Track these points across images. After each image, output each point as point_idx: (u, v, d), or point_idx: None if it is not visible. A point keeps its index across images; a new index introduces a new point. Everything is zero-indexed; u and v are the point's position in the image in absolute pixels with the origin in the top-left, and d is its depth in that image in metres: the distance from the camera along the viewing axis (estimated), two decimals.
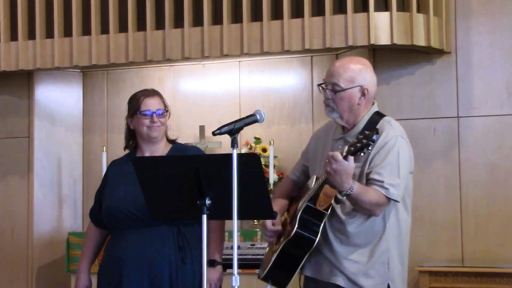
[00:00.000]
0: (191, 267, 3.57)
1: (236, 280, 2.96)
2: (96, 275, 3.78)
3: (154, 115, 3.65)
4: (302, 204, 3.34)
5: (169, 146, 3.76)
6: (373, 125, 3.28)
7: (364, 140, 3.04)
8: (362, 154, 3.09)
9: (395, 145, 3.28)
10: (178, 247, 3.57)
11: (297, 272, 3.35)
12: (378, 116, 3.39)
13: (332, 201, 3.28)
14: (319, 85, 3.42)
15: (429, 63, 5.56)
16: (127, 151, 3.85)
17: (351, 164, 3.09)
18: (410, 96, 5.59)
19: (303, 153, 3.68)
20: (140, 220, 3.55)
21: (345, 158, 3.08)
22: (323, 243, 3.34)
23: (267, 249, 3.61)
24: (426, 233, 5.50)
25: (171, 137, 3.85)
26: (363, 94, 3.35)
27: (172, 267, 3.55)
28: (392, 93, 5.61)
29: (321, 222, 3.28)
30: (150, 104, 3.68)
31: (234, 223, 2.96)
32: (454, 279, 4.98)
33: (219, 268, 3.65)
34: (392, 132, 3.31)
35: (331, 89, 3.35)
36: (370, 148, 3.05)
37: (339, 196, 3.23)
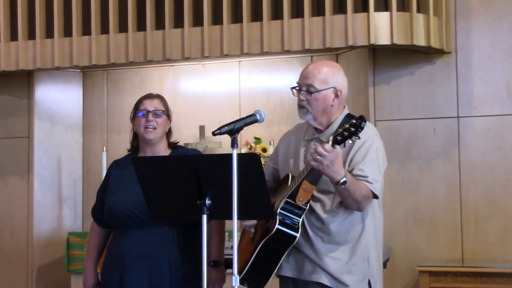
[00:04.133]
0: (192, 267, 3.58)
1: (236, 280, 2.96)
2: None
3: (150, 114, 3.69)
4: (279, 202, 3.37)
5: (169, 150, 3.77)
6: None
7: (352, 128, 3.09)
8: (350, 141, 3.13)
9: (373, 143, 3.37)
10: (179, 247, 3.59)
11: (274, 272, 3.36)
12: (350, 118, 3.42)
13: (310, 200, 3.33)
14: (292, 88, 3.49)
15: (429, 63, 5.55)
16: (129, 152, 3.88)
17: (339, 151, 3.15)
18: (410, 96, 5.59)
19: (271, 156, 3.75)
20: (142, 221, 3.57)
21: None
22: (304, 242, 3.38)
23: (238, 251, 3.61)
24: (426, 233, 5.50)
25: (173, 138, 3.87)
26: (336, 96, 3.43)
27: (172, 267, 3.57)
28: (392, 93, 5.61)
29: (300, 218, 3.32)
30: (147, 104, 3.72)
31: (234, 223, 2.96)
32: (454, 279, 4.98)
33: (222, 268, 3.69)
34: (368, 132, 3.37)
35: (306, 91, 3.43)
36: (358, 135, 3.09)
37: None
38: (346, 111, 3.49)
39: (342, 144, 3.13)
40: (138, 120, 3.71)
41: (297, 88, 3.48)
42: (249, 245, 3.49)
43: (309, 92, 3.42)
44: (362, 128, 3.07)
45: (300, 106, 3.47)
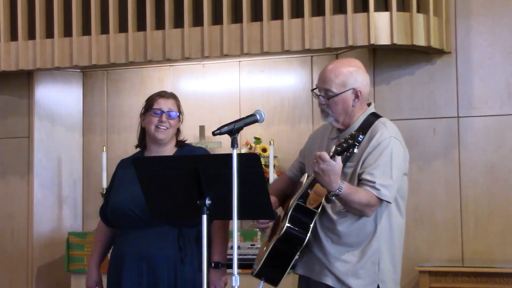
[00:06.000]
0: (191, 268, 3.58)
1: (236, 280, 2.96)
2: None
3: (164, 115, 3.66)
4: (293, 201, 3.35)
5: (175, 149, 3.75)
6: (368, 125, 3.28)
7: (350, 140, 3.05)
8: (347, 154, 3.09)
9: (388, 146, 3.28)
10: (178, 247, 3.57)
11: (288, 269, 3.35)
12: (374, 117, 3.40)
13: (323, 200, 3.30)
14: (312, 90, 3.45)
15: (429, 63, 5.56)
16: (138, 149, 3.86)
17: (338, 163, 3.10)
18: (410, 96, 5.59)
19: (301, 151, 3.70)
20: (142, 221, 3.57)
21: (332, 157, 3.09)
22: (314, 242, 3.35)
23: (261, 244, 3.64)
24: (426, 233, 5.50)
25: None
26: (356, 96, 3.36)
27: (171, 267, 3.56)
28: (392, 93, 5.61)
29: (312, 221, 3.28)
30: (162, 104, 3.69)
31: (234, 223, 2.96)
32: (454, 279, 4.98)
33: (223, 270, 3.65)
34: (386, 133, 3.32)
35: (324, 95, 3.37)
36: (356, 148, 3.06)
37: (329, 196, 3.25)
38: (370, 110, 3.42)
39: (343, 155, 3.09)
40: (150, 118, 3.67)
41: (316, 91, 3.41)
42: (268, 240, 3.48)
43: (327, 97, 3.35)
44: (359, 142, 3.04)
45: (321, 110, 3.41)
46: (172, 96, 3.75)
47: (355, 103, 3.36)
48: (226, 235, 3.71)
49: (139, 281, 3.57)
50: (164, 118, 3.66)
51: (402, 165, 3.36)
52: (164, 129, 3.66)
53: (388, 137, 3.30)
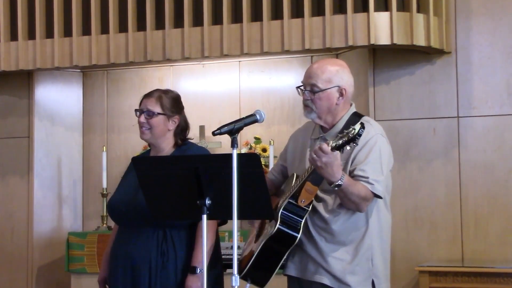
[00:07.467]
0: (173, 272, 3.54)
1: (236, 280, 2.96)
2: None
3: (143, 115, 3.61)
4: (283, 201, 3.36)
5: (173, 149, 3.69)
6: (353, 124, 3.30)
7: (350, 134, 3.07)
8: (348, 148, 3.11)
9: (376, 143, 3.35)
10: (161, 251, 3.54)
11: (276, 270, 3.36)
12: (356, 116, 3.44)
13: (313, 199, 3.32)
14: (297, 87, 3.48)
15: (429, 63, 5.55)
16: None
17: (338, 155, 3.14)
18: (410, 96, 5.59)
19: (281, 154, 3.73)
20: (127, 218, 3.57)
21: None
22: (308, 242, 3.38)
23: (244, 248, 3.62)
24: (426, 233, 5.50)
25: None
26: (341, 94, 3.41)
27: (152, 270, 3.53)
28: (392, 93, 5.61)
29: (302, 219, 3.31)
30: (143, 103, 3.65)
31: (234, 223, 2.96)
32: (454, 279, 4.98)
33: (198, 275, 3.52)
34: (372, 130, 3.37)
35: (310, 90, 3.42)
36: (356, 142, 3.08)
37: (320, 192, 3.25)
38: (352, 109, 3.47)
39: (341, 150, 3.12)
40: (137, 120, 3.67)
41: (301, 87, 3.46)
42: (254, 242, 3.48)
43: (312, 92, 3.40)
44: (360, 135, 3.06)
45: (305, 105, 3.45)
46: (156, 94, 3.66)
47: (339, 101, 3.41)
48: (210, 240, 3.56)
49: (124, 279, 3.57)
50: (142, 118, 3.61)
51: (389, 162, 3.43)
52: (145, 129, 3.61)
53: (375, 134, 3.37)
